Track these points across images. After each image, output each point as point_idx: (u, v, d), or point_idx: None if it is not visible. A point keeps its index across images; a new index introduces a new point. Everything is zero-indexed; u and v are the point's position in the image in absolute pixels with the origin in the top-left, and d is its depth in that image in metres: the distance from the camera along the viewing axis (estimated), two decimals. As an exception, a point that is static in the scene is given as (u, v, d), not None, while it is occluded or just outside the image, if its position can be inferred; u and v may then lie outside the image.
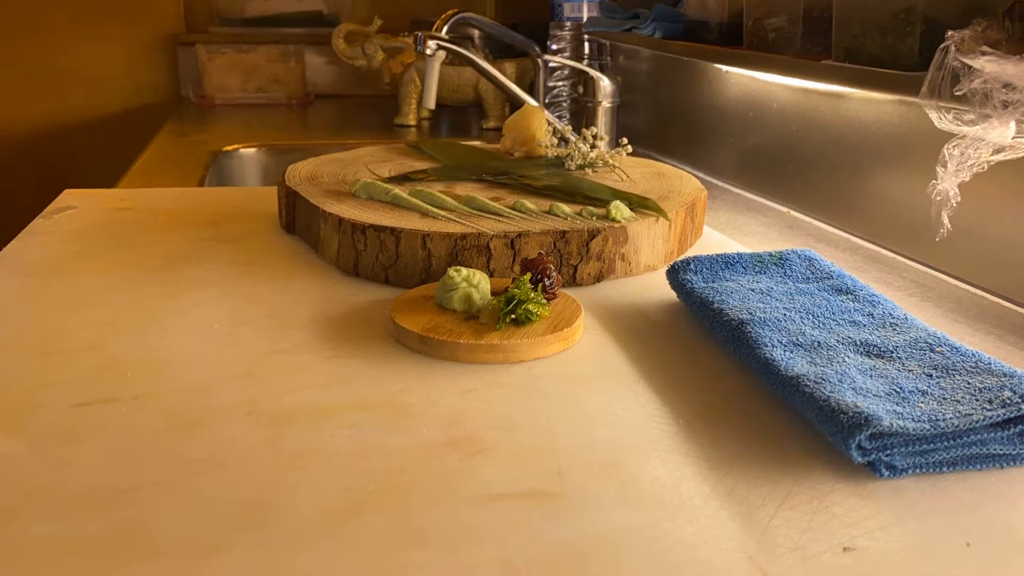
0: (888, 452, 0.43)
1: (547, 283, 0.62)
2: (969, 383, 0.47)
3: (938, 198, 0.64)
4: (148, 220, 0.85)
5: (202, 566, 0.36)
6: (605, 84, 1.38)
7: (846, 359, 0.51)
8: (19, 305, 0.64)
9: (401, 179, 0.83)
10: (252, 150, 1.52)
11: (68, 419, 0.48)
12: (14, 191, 2.08)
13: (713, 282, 0.63)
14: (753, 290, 0.61)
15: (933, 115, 0.64)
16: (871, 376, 0.49)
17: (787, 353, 0.52)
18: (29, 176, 2.12)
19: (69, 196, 0.94)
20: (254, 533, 0.38)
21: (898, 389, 0.47)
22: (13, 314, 0.63)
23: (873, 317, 0.57)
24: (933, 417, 0.44)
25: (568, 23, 1.59)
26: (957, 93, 0.61)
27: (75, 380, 0.52)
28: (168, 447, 0.45)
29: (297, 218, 0.80)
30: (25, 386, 0.52)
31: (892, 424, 0.42)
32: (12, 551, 0.37)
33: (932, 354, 0.51)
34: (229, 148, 1.50)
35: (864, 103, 0.88)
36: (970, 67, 0.59)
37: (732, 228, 0.94)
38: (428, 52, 1.33)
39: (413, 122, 1.76)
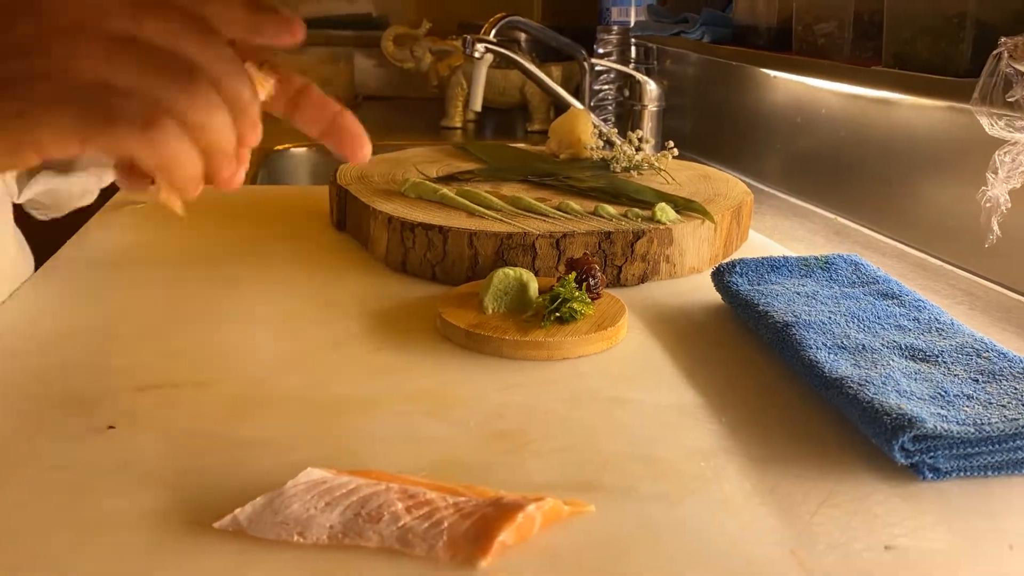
0: (932, 455, 0.43)
1: (592, 283, 0.62)
2: (1016, 388, 0.47)
3: (988, 204, 0.64)
4: (204, 216, 0.88)
5: (257, 544, 0.38)
6: (651, 88, 1.38)
7: (890, 362, 0.51)
8: (84, 295, 0.67)
9: (449, 179, 0.85)
10: (302, 150, 1.55)
11: (132, 402, 0.50)
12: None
13: (758, 285, 0.64)
14: (798, 293, 0.61)
15: (984, 121, 0.63)
16: (916, 379, 0.49)
17: (831, 355, 0.52)
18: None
19: (128, 192, 0.97)
20: (308, 514, 0.40)
21: (943, 392, 0.47)
22: (78, 303, 0.65)
23: (919, 322, 0.57)
24: (978, 421, 0.44)
25: (615, 27, 1.59)
26: (1009, 99, 0.61)
27: (139, 366, 0.54)
28: (227, 430, 0.47)
29: (348, 216, 0.82)
30: (92, 371, 0.54)
31: (936, 427, 0.43)
32: (81, 524, 0.39)
33: (979, 359, 0.51)
34: (280, 148, 1.53)
35: (914, 109, 0.88)
36: (1023, 73, 0.59)
37: (778, 233, 0.94)
38: (476, 55, 1.35)
39: (459, 124, 1.78)
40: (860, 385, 0.47)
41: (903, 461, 0.43)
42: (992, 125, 0.62)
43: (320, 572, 0.36)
